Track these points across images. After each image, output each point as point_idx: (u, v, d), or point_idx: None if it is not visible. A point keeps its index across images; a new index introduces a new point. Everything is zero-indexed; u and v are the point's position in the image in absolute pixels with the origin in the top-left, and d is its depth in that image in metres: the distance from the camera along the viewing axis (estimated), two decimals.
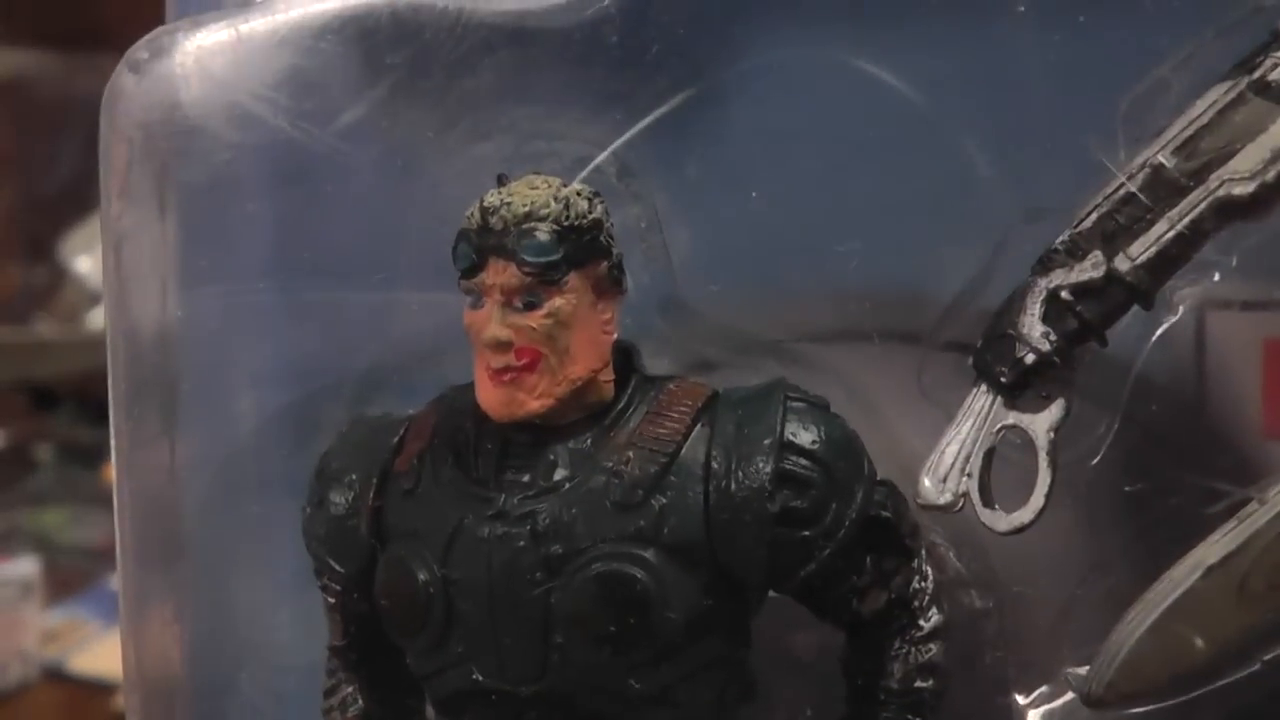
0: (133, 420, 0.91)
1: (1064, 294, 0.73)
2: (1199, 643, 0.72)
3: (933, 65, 0.80)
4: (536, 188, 0.72)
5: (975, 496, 0.74)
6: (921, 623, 0.75)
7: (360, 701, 0.82)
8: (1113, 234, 0.73)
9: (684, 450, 0.72)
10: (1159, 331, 0.79)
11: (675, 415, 0.73)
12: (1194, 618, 0.72)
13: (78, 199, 2.96)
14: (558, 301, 0.71)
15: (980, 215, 0.80)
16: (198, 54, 0.89)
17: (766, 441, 0.71)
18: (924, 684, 0.75)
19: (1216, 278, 0.77)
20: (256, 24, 0.89)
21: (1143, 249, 0.72)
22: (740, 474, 0.71)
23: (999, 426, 0.75)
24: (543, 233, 0.71)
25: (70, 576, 2.73)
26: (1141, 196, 0.72)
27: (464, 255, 0.72)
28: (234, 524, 0.92)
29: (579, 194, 0.72)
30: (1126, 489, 0.80)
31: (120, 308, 0.91)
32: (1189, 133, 0.72)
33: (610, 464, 0.72)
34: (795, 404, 0.73)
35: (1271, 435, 0.79)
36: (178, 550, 0.92)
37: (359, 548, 0.76)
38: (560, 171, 0.75)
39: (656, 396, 0.74)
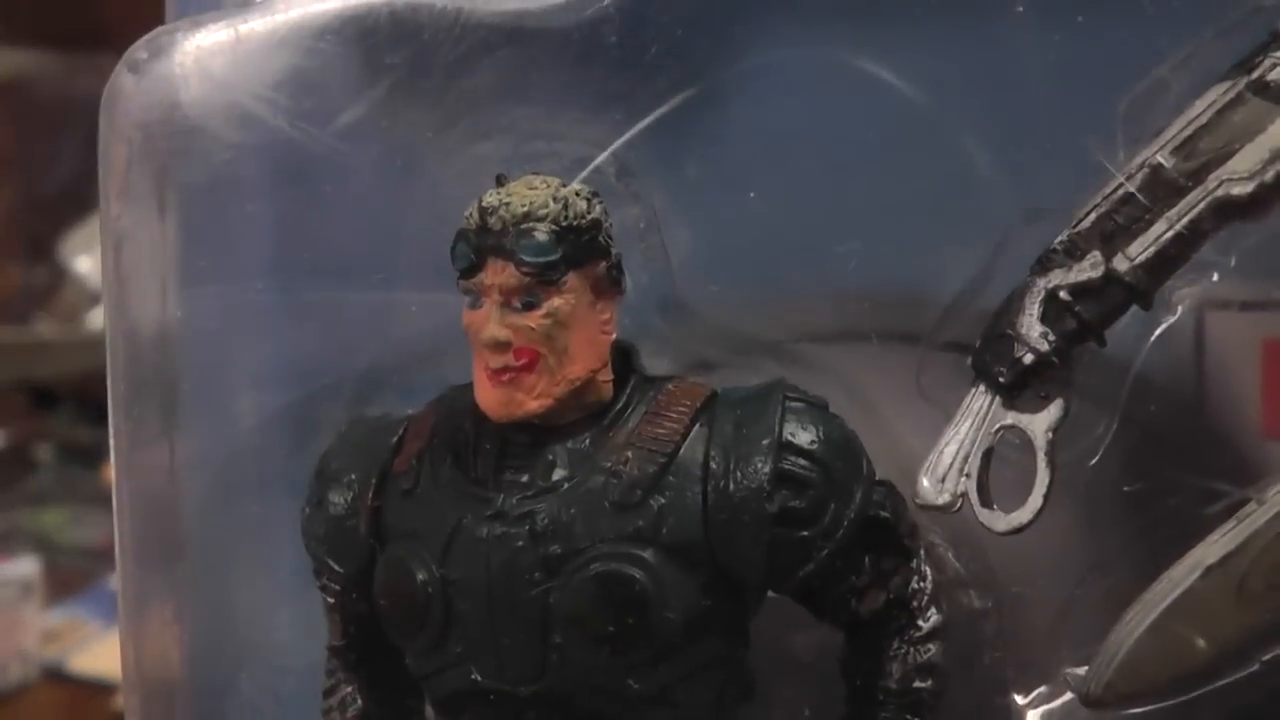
0: (132, 420, 0.91)
1: (1063, 294, 0.73)
2: (1198, 643, 0.72)
3: (933, 65, 0.80)
4: (535, 188, 0.72)
5: (974, 496, 0.74)
6: (920, 623, 0.75)
7: (359, 701, 0.82)
8: (1111, 234, 0.73)
9: (682, 450, 0.72)
10: (1158, 331, 0.79)
11: (674, 415, 0.73)
12: (1193, 618, 0.72)
13: (78, 199, 2.96)
14: (556, 301, 0.71)
15: (980, 215, 0.80)
16: (197, 54, 0.89)
17: (765, 441, 0.71)
18: (923, 684, 0.75)
19: (1215, 278, 0.77)
20: (256, 24, 0.89)
21: (1141, 249, 0.72)
22: (739, 474, 0.71)
23: (997, 426, 0.75)
24: (541, 233, 0.71)
25: (70, 576, 2.73)
26: (1140, 197, 0.72)
27: (462, 255, 0.72)
28: (234, 524, 0.92)
29: (578, 194, 0.72)
30: (1125, 489, 0.80)
31: (120, 308, 0.91)
32: (1188, 133, 0.72)
33: (609, 464, 0.72)
34: (794, 404, 0.73)
35: (1270, 435, 0.79)
36: (177, 550, 0.92)
37: (358, 548, 0.76)
38: (560, 172, 0.75)
39: (655, 396, 0.74)
